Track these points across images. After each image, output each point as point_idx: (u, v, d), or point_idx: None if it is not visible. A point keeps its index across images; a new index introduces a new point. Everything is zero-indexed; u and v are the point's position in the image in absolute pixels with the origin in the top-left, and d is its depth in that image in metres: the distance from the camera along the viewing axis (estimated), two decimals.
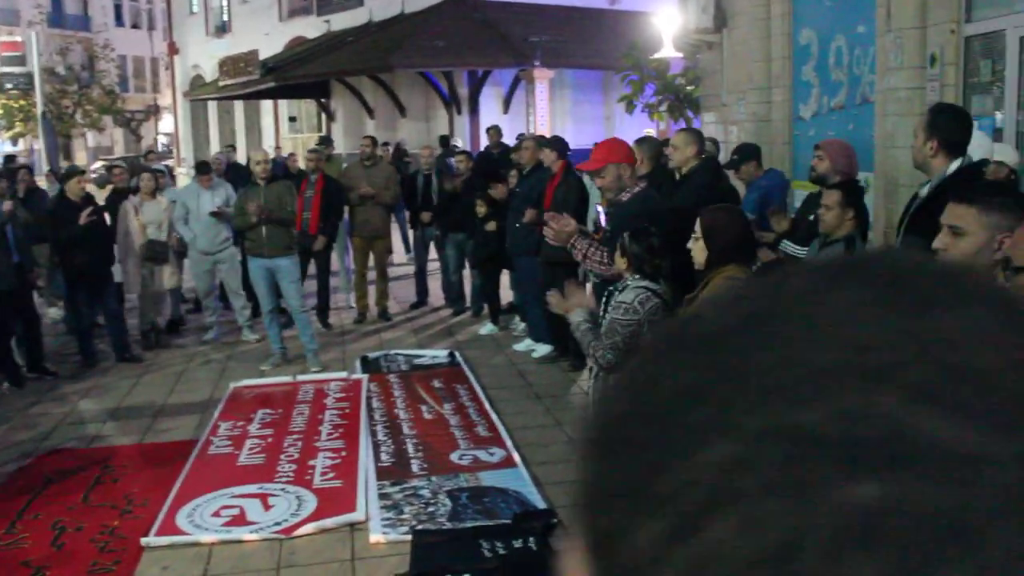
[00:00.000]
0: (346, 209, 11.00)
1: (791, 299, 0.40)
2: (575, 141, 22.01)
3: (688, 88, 14.40)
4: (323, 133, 29.62)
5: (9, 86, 35.51)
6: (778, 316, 0.40)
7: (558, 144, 8.96)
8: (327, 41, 26.70)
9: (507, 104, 24.31)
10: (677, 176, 6.59)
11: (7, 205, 9.06)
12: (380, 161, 11.34)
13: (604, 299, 4.68)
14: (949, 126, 4.00)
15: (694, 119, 13.96)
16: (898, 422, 0.35)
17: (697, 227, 4.12)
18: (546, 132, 22.88)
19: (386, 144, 16.87)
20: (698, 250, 4.15)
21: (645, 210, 5.19)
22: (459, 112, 23.73)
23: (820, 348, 0.37)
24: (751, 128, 11.26)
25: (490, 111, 23.94)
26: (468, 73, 23.25)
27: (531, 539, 5.10)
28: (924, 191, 4.15)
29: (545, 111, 23.28)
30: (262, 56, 27.40)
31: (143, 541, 5.42)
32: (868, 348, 0.37)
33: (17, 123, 39.61)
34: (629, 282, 4.53)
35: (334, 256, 11.45)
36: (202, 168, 10.90)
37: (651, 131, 16.04)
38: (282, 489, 6.15)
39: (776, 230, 6.00)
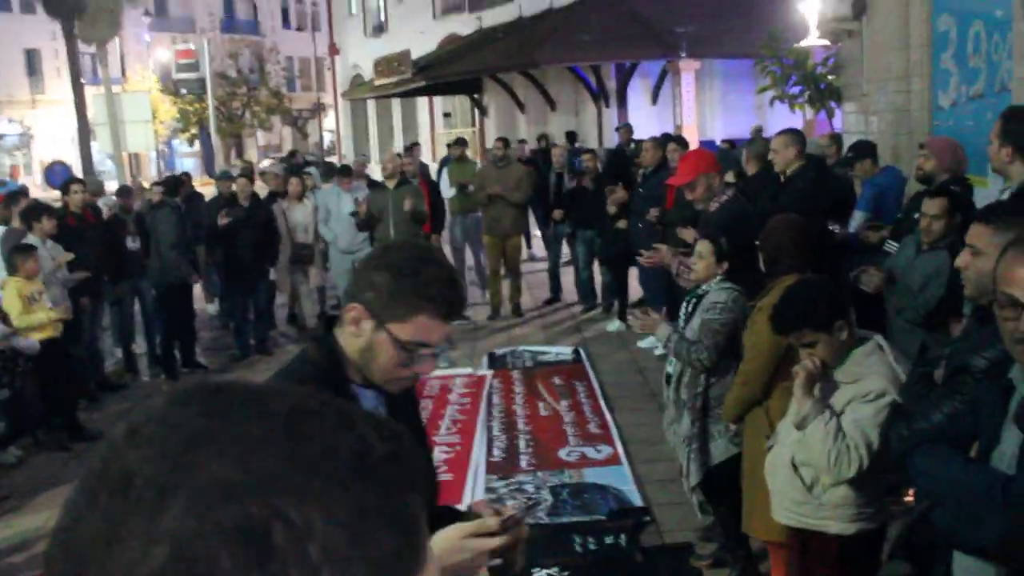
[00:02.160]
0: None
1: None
2: (725, 132, 21.82)
3: (829, 77, 14.09)
4: (474, 128, 30.27)
5: (184, 91, 37.70)
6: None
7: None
8: (478, 38, 27.21)
9: (655, 96, 24.20)
10: (782, 179, 6.58)
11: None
12: (512, 161, 11.61)
13: (687, 307, 4.80)
14: (1022, 131, 3.93)
15: (836, 109, 13.65)
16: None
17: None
18: (693, 124, 22.76)
19: (543, 137, 17.15)
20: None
21: (733, 217, 5.27)
22: (607, 105, 23.77)
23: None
24: (890, 118, 10.98)
25: (638, 103, 23.91)
26: (616, 66, 23.26)
27: (622, 536, 5.26)
28: (1005, 195, 4.09)
29: (692, 102, 23.08)
30: (417, 54, 28.17)
31: None
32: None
33: (191, 126, 41.90)
34: (714, 285, 4.65)
35: (468, 253, 11.86)
36: (344, 171, 11.47)
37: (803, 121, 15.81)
38: None
39: (869, 242, 5.92)
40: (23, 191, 10.47)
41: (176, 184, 11.68)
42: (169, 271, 9.60)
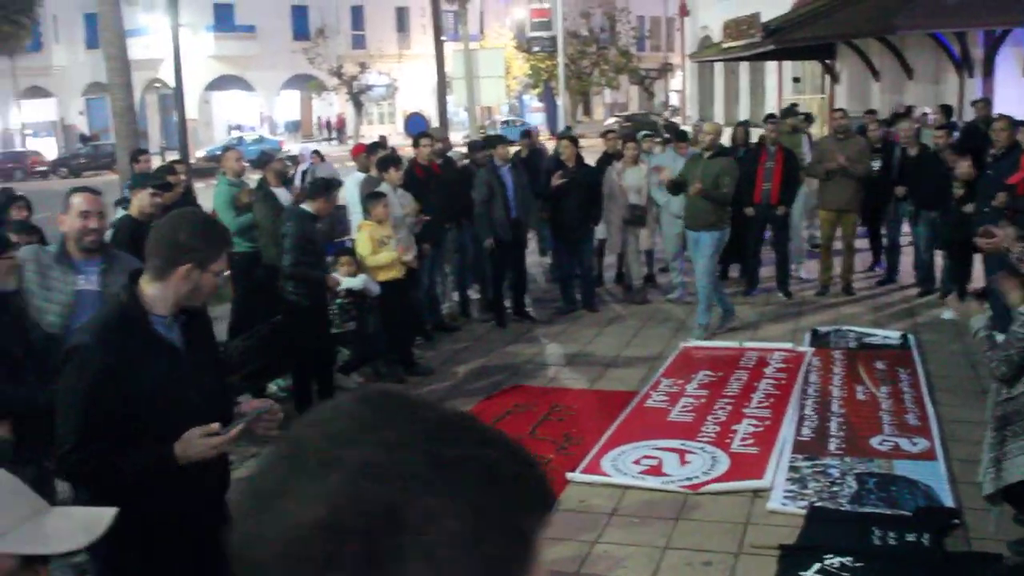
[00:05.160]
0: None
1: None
2: None
3: None
4: (824, 95, 29.14)
5: (537, 49, 39.03)
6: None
7: None
8: (832, 1, 26.07)
9: None
10: None
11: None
12: (853, 134, 11.15)
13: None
14: None
15: None
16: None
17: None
18: None
19: (911, 108, 16.24)
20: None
21: None
22: (971, 75, 22.07)
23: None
24: None
25: (1008, 75, 21.99)
26: (984, 33, 21.49)
27: (925, 536, 5.04)
28: None
29: None
30: (767, 16, 27.43)
31: (568, 476, 6.15)
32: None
33: (541, 82, 43.36)
34: None
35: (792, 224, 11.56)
36: (680, 136, 11.56)
37: None
38: (701, 448, 6.58)
39: None
40: (382, 142, 11.39)
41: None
42: (500, 226, 10.10)
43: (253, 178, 10.00)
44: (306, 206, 7.68)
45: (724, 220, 9.56)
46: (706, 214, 9.38)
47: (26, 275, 4.70)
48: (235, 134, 44.40)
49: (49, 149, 47.72)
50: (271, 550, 0.73)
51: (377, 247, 8.25)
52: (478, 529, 0.73)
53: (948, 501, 5.52)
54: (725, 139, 11.93)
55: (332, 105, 52.37)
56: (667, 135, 14.32)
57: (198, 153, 34.97)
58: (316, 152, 13.74)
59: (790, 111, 13.16)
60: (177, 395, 2.97)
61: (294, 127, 54.32)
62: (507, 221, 10.04)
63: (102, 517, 1.44)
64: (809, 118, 13.38)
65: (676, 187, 9.81)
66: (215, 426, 2.94)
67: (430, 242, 9.43)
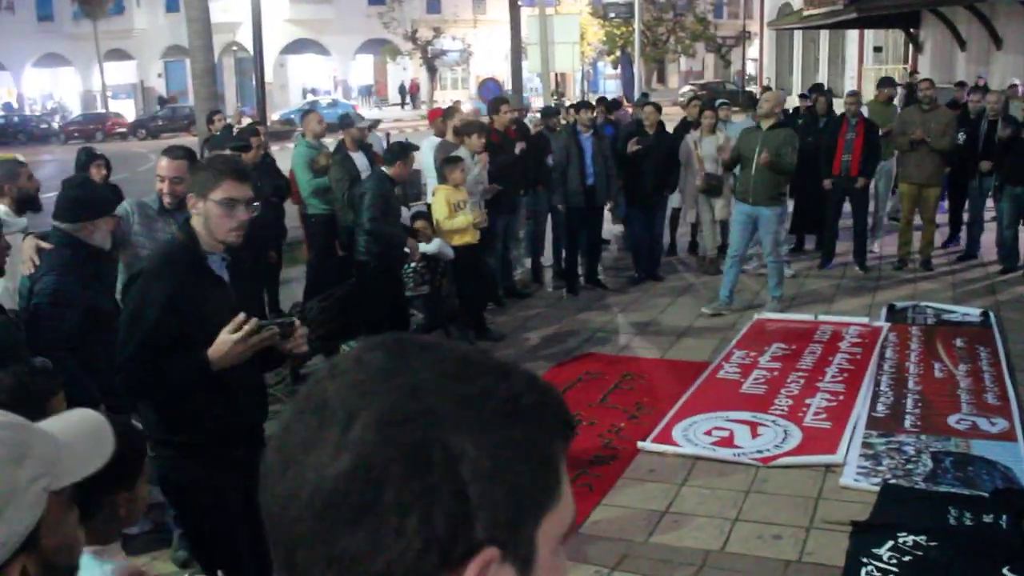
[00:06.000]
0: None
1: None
2: None
3: None
4: (906, 66, 28.43)
5: (612, 15, 38.66)
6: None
7: None
8: None
9: None
10: None
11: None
12: (938, 105, 10.87)
13: None
14: None
15: None
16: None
17: None
18: None
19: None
20: None
21: None
22: None
23: None
24: None
25: None
26: None
27: (1003, 517, 4.96)
28: None
29: None
30: None
31: (639, 444, 6.16)
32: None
33: (616, 49, 42.95)
34: None
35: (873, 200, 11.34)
36: (755, 104, 11.37)
37: None
38: (773, 421, 6.53)
39: None
40: (456, 107, 11.41)
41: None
42: (575, 193, 10.06)
43: (331, 142, 10.10)
44: (385, 169, 7.75)
45: (785, 194, 9.35)
46: (768, 187, 9.06)
47: (133, 226, 5.05)
48: (310, 98, 44.79)
49: (128, 111, 48.68)
50: (305, 505, 0.74)
51: (452, 211, 8.30)
52: (506, 461, 0.75)
53: None
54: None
55: (406, 70, 52.50)
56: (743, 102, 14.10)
57: (273, 116, 35.39)
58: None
59: (888, 81, 12.78)
60: (223, 321, 3.32)
61: (368, 91, 54.61)
62: (582, 188, 9.99)
63: (100, 429, 1.41)
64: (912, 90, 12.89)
65: (732, 163, 9.63)
66: (242, 316, 3.29)
67: (505, 208, 9.44)
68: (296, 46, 51.61)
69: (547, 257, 11.07)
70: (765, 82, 37.23)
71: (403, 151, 7.87)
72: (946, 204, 11.90)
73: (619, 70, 40.49)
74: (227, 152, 7.38)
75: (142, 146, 35.27)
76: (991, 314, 8.89)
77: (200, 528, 3.67)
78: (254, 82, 15.56)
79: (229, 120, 16.40)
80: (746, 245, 9.50)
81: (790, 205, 10.21)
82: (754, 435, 6.31)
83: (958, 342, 8.15)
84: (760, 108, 9.63)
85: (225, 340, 3.26)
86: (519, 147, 9.81)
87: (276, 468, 0.78)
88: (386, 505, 0.72)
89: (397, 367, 0.78)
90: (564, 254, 10.59)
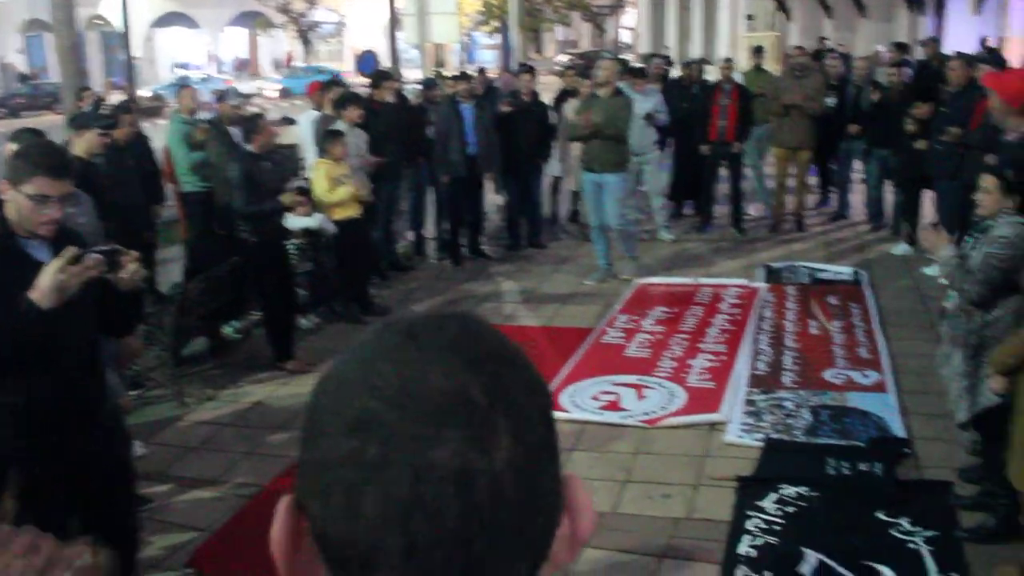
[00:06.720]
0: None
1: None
2: None
3: None
4: (777, 32, 29.15)
5: None
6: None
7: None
8: None
9: (979, 3, 22.32)
10: None
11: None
12: (811, 71, 11.17)
13: (973, 242, 4.59)
14: None
15: None
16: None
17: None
18: (1021, 37, 20.80)
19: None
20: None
21: None
22: (922, 12, 22.23)
23: None
24: None
25: (959, 11, 22.20)
26: None
27: (877, 465, 5.18)
28: None
29: (1022, 13, 21.10)
30: None
31: None
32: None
33: (493, 19, 42.88)
34: (1003, 218, 4.44)
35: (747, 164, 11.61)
36: (637, 73, 11.51)
37: None
38: (658, 383, 6.66)
39: None
40: (337, 80, 11.24)
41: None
42: (457, 164, 10.02)
43: (204, 116, 9.83)
44: (247, 147, 7.58)
45: (628, 160, 9.36)
46: (611, 154, 9.04)
47: None
48: (180, 72, 43.46)
49: None
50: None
51: (333, 185, 8.17)
52: (538, 458, 0.74)
53: (899, 431, 5.66)
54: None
55: (279, 43, 51.41)
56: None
57: (142, 92, 34.23)
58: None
59: (760, 50, 13.12)
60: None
61: (241, 65, 53.28)
62: (463, 159, 9.96)
63: None
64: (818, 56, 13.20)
65: (572, 130, 9.42)
66: (72, 249, 3.19)
67: (386, 180, 9.34)
68: (165, 19, 49.95)
69: (429, 229, 11.01)
70: (641, 50, 37.66)
71: (254, 124, 7.72)
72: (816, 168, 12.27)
73: (499, 40, 40.56)
74: (96, 131, 7.12)
75: (1, 124, 33.72)
76: (861, 272, 9.23)
77: None
78: (122, 57, 15.01)
79: (99, 93, 15.80)
80: (602, 213, 9.48)
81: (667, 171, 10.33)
82: (640, 397, 6.43)
83: (832, 299, 8.44)
84: (596, 77, 9.49)
85: (45, 271, 3.15)
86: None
87: (348, 488, 0.71)
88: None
89: (429, 359, 0.73)
90: (447, 225, 10.55)
